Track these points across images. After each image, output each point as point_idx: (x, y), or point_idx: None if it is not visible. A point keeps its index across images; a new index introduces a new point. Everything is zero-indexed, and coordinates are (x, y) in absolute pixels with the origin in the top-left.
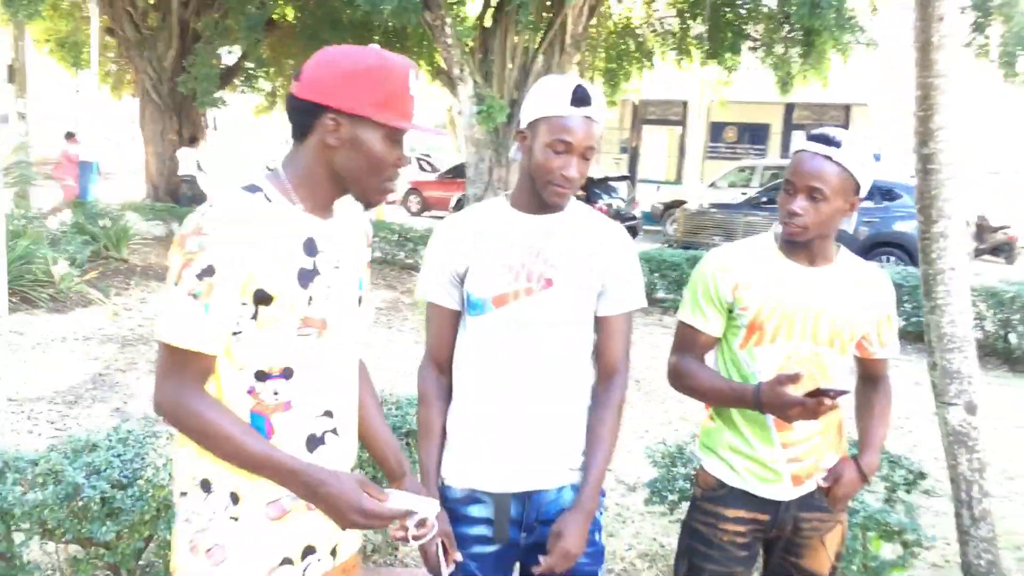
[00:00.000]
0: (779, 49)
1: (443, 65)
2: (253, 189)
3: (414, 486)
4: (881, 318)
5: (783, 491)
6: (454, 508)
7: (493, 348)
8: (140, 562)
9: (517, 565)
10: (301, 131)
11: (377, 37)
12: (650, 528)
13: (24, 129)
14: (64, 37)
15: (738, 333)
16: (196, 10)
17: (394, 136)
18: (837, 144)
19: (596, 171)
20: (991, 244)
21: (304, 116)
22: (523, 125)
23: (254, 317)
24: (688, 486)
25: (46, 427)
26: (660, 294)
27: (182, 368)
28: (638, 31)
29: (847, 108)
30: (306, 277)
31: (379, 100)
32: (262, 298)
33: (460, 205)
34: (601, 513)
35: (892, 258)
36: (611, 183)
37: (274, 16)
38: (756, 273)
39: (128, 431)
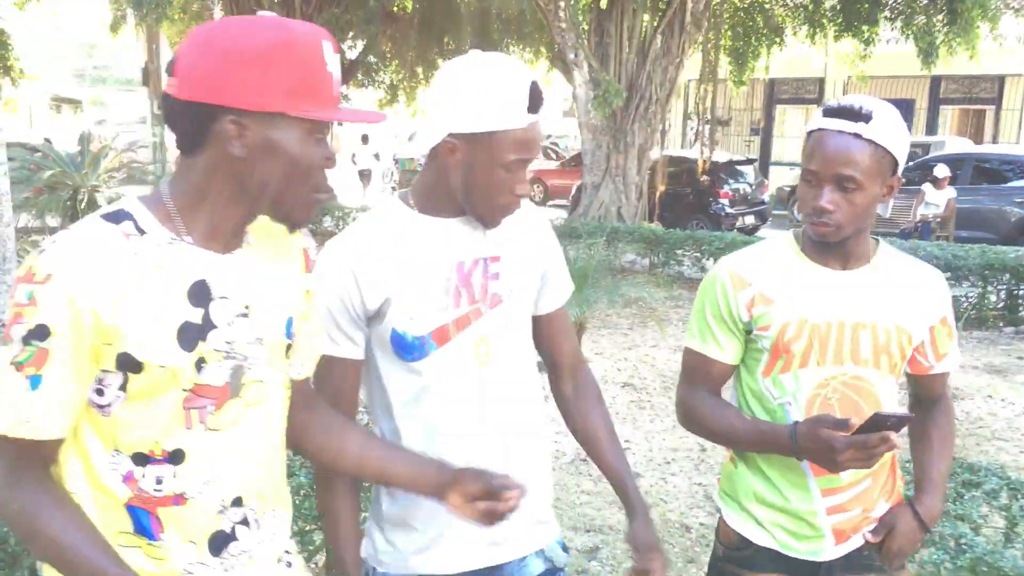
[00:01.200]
0: (920, 18)
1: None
2: (118, 218)
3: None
4: (935, 324)
5: (823, 550)
6: None
7: (438, 395)
8: None
9: None
10: (189, 141)
11: (496, 25)
12: None
13: (159, 131)
14: None
15: (760, 358)
16: (318, 6)
17: (317, 130)
18: (867, 117)
19: (721, 155)
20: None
21: (192, 122)
22: (450, 132)
23: (122, 388)
24: None
25: None
26: None
27: (10, 457)
28: (766, 6)
29: (1000, 80)
30: (191, 334)
31: (291, 87)
32: (129, 365)
33: (578, 194)
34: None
35: None
36: (737, 167)
37: (394, 8)
38: (776, 284)
39: None
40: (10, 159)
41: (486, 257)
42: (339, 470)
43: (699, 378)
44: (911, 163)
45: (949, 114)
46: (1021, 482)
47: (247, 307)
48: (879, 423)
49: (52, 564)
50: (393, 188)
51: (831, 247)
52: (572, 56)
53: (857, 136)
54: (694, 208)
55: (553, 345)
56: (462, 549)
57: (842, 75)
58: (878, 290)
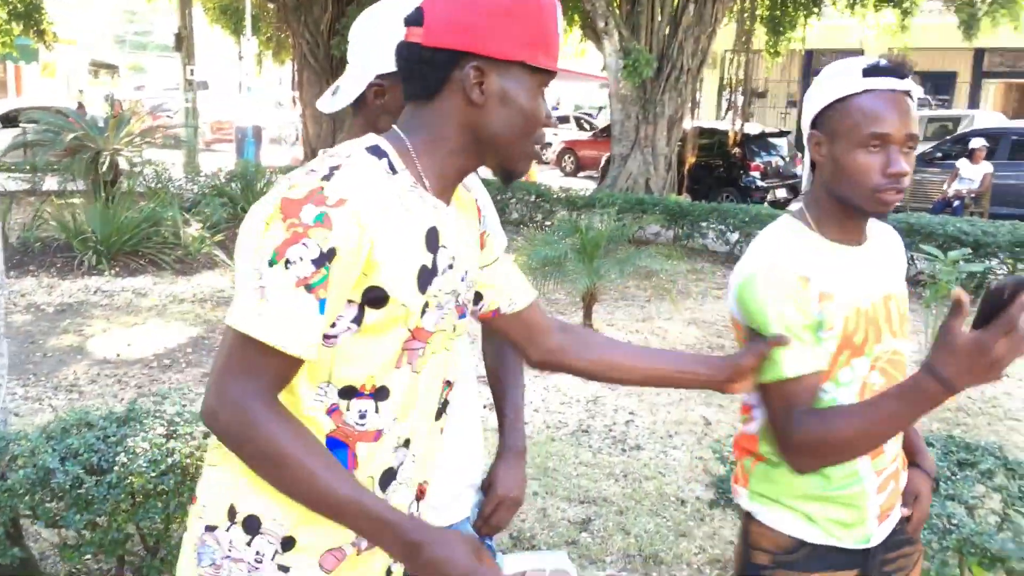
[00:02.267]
0: None
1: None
2: (379, 152)
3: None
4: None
5: (871, 535)
6: None
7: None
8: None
9: None
10: (428, 88)
11: None
12: (729, 529)
13: (191, 96)
14: (227, 4)
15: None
16: None
17: (543, 85)
18: (910, 72)
19: (754, 127)
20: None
21: (434, 69)
22: (376, 74)
23: (356, 320)
24: None
25: (132, 391)
26: None
27: (261, 373)
28: None
29: None
30: (426, 278)
31: (531, 39)
32: (374, 299)
33: (607, 165)
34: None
35: None
36: (770, 139)
37: None
38: (829, 275)
39: (133, 408)
40: (35, 122)
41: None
42: (623, 382)
43: (803, 403)
44: (947, 138)
45: (992, 88)
46: (1018, 462)
47: (453, 258)
48: (1008, 293)
49: (289, 490)
50: None
51: (857, 223)
52: (602, 24)
53: (907, 93)
54: (724, 181)
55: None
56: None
57: (881, 47)
58: (883, 258)
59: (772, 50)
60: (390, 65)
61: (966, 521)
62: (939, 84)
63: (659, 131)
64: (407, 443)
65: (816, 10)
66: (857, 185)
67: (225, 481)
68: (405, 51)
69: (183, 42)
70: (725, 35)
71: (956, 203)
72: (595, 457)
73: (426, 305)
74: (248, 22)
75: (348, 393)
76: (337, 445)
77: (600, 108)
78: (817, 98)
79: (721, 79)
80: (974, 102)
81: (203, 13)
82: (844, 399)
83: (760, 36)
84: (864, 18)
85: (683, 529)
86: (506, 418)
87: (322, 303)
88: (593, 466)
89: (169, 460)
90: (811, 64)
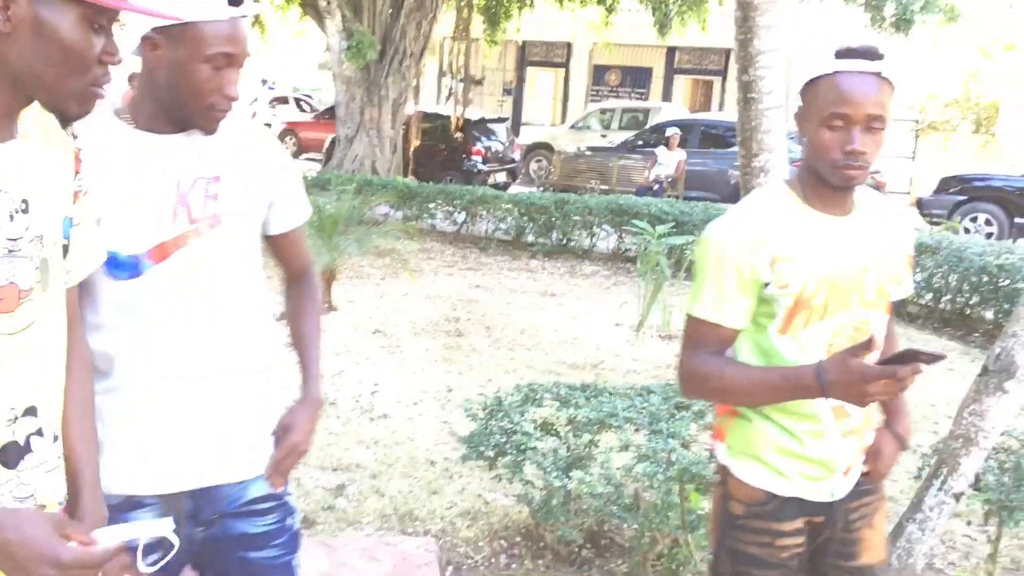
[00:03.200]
0: None
1: None
2: None
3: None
4: (907, 255)
5: (836, 488)
6: (112, 518)
7: (154, 316)
8: None
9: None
10: None
11: None
12: (476, 484)
13: None
14: None
15: (774, 316)
16: None
17: (96, 18)
18: (881, 55)
19: (474, 113)
20: (752, 195)
21: None
22: (150, 27)
23: None
24: (504, 440)
25: None
26: (530, 238)
27: None
28: None
29: (727, 52)
30: None
31: None
32: None
33: (332, 147)
34: (290, 495)
35: None
36: (489, 125)
37: None
38: (793, 240)
39: None
40: None
41: (206, 177)
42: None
43: (709, 347)
44: (648, 127)
45: (683, 83)
46: None
47: (25, 201)
48: (910, 358)
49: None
50: None
51: (837, 194)
52: (324, 3)
53: (878, 75)
54: (448, 164)
55: (285, 260)
56: (176, 467)
57: (588, 41)
58: (871, 231)
59: (490, 39)
60: (161, 20)
61: (684, 454)
62: (637, 78)
63: (384, 114)
64: (31, 411)
65: (529, 2)
66: (821, 160)
67: None
68: None
69: None
70: (445, 23)
71: (656, 187)
72: (344, 427)
73: None
74: None
75: None
76: None
77: (316, 90)
78: (801, 77)
79: (441, 65)
80: (667, 95)
81: None
82: (805, 361)
83: (478, 25)
84: (573, 12)
85: (434, 487)
86: (305, 370)
87: None
88: (343, 435)
89: None
90: (525, 54)
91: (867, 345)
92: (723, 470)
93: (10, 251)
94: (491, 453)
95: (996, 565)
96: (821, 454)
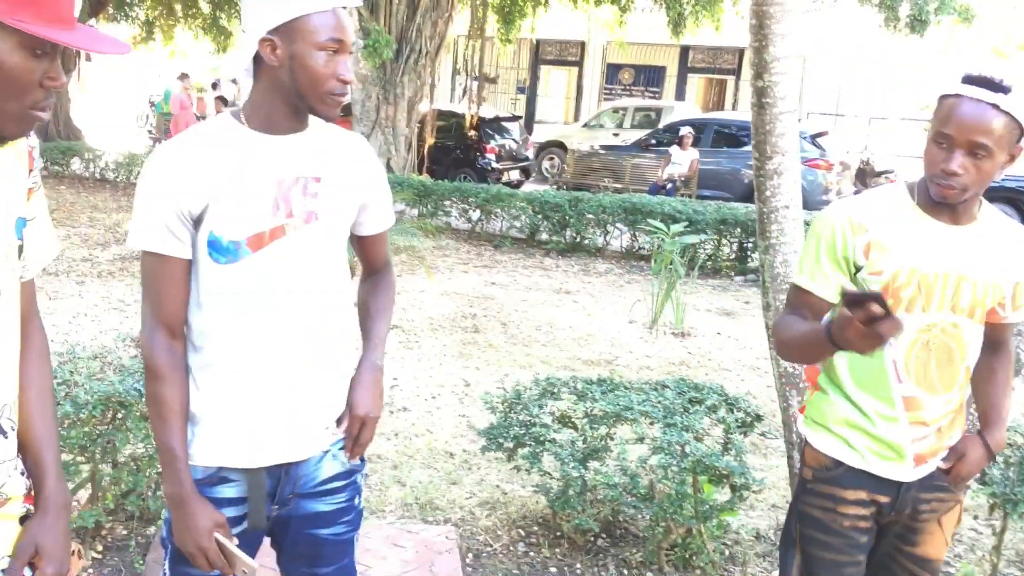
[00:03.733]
0: None
1: None
2: None
3: (47, 529)
4: (1020, 280)
5: (905, 471)
6: (199, 490)
7: (247, 299)
8: None
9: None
10: None
11: None
12: (494, 475)
13: None
14: None
15: None
16: None
17: (35, 46)
18: (1007, 89)
19: (488, 111)
20: (873, 188)
21: None
22: (265, 31)
23: None
24: (523, 432)
25: None
26: (544, 236)
27: None
28: None
29: (740, 52)
30: None
31: None
32: None
33: None
34: (363, 475)
35: None
36: (503, 123)
37: None
38: (893, 232)
39: None
40: None
41: (307, 176)
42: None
43: (801, 311)
44: (661, 126)
45: (696, 82)
46: (736, 398)
47: None
48: (854, 301)
49: None
50: (149, 131)
51: (938, 206)
52: None
53: (995, 107)
54: (461, 162)
55: (369, 258)
56: (260, 443)
57: (602, 39)
58: (980, 247)
59: (504, 38)
60: (273, 18)
61: (698, 447)
62: (651, 77)
63: (399, 112)
64: None
65: (544, 1)
66: (926, 171)
67: None
68: None
69: None
70: (460, 21)
71: (669, 186)
72: None
73: None
74: None
75: None
76: None
77: None
78: (936, 93)
79: (455, 63)
80: (680, 94)
81: None
82: (892, 356)
83: (493, 23)
84: (587, 11)
85: (454, 478)
86: (369, 339)
87: None
88: None
89: None
90: (539, 53)
91: (875, 297)
92: (804, 441)
93: None
94: (510, 444)
95: (1001, 558)
96: (890, 436)
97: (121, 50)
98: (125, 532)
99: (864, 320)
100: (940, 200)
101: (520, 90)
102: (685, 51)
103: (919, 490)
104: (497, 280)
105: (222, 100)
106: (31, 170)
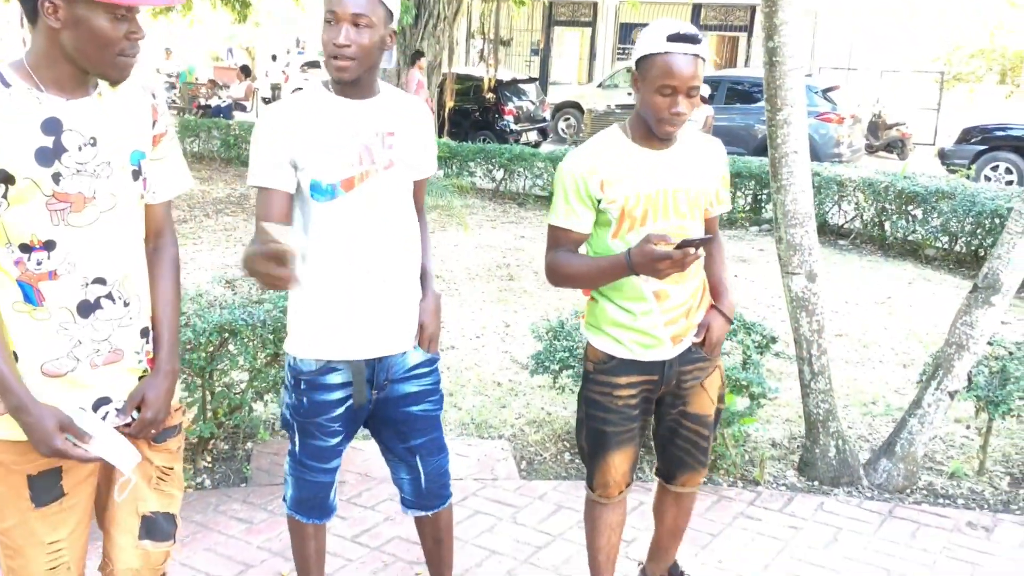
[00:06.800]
0: None
1: None
2: None
3: (153, 387)
4: (720, 181)
5: (665, 352)
6: (311, 380)
7: (343, 229)
8: None
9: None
10: (31, 16)
11: None
12: (538, 399)
13: None
14: None
15: (609, 225)
16: None
17: (117, 12)
18: (700, 40)
19: (504, 73)
20: (885, 140)
21: (26, 1)
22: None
23: (4, 196)
24: (567, 356)
25: None
26: None
27: None
28: None
29: (752, 9)
30: (46, 155)
31: None
32: (5, 178)
33: None
34: (440, 381)
35: None
36: (520, 85)
37: None
38: (617, 167)
39: None
40: None
41: (384, 131)
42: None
43: (564, 247)
44: None
45: (708, 39)
46: (752, 323)
47: (94, 138)
48: (685, 245)
49: None
50: (173, 101)
51: (651, 135)
52: None
53: (696, 56)
54: (480, 124)
55: (415, 200)
56: (360, 341)
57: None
58: (686, 162)
59: (518, 0)
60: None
61: (725, 360)
62: None
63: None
64: (101, 281)
65: None
66: (651, 116)
67: None
68: None
69: None
70: None
71: None
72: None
73: (57, 175)
74: None
75: (25, 248)
76: (25, 287)
77: None
78: (635, 51)
79: (469, 27)
80: None
81: None
82: None
83: None
84: None
85: (503, 403)
86: (425, 272)
87: None
88: None
89: None
90: (552, 14)
91: (663, 237)
92: (586, 342)
93: (78, 171)
94: (556, 367)
95: (986, 455)
96: (649, 327)
97: (173, 1)
98: (227, 447)
99: (685, 256)
100: (666, 137)
101: (534, 52)
102: (697, 9)
103: (680, 364)
104: (525, 234)
105: (244, 70)
106: (155, 121)
